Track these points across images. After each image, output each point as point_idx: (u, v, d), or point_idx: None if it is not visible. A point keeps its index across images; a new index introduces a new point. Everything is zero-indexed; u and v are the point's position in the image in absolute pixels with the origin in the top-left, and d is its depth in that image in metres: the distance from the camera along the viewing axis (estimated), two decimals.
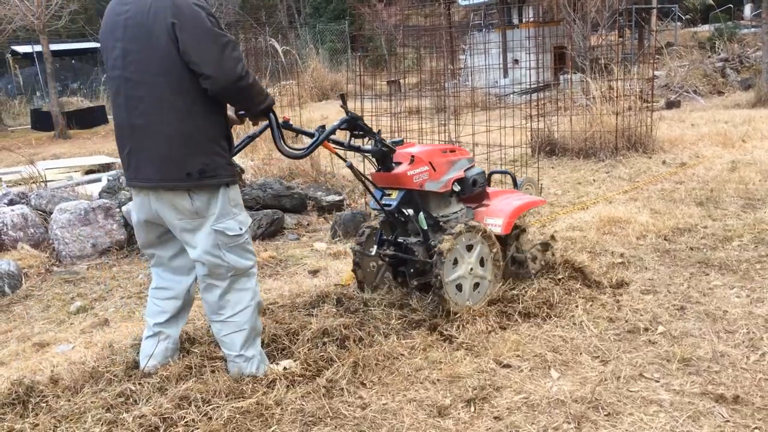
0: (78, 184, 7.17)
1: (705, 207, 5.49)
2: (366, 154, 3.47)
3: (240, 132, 6.27)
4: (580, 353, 3.14)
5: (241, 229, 2.85)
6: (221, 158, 2.79)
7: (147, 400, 2.77)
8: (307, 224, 6.04)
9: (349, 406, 2.76)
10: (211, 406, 2.69)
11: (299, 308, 3.71)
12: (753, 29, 18.02)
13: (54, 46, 18.87)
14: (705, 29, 19.41)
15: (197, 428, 2.59)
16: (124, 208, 5.53)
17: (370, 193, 3.55)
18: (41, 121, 16.41)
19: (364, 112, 6.76)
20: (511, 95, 12.51)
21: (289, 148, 3.00)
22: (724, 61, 14.98)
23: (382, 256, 3.73)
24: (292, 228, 5.91)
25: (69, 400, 2.82)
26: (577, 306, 3.61)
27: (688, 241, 4.67)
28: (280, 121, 3.02)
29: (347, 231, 5.46)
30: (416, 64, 16.20)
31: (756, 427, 2.50)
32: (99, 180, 7.42)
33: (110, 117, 17.73)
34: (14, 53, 23.92)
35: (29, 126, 17.14)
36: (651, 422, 2.55)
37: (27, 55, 23.41)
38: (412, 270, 3.61)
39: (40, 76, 21.05)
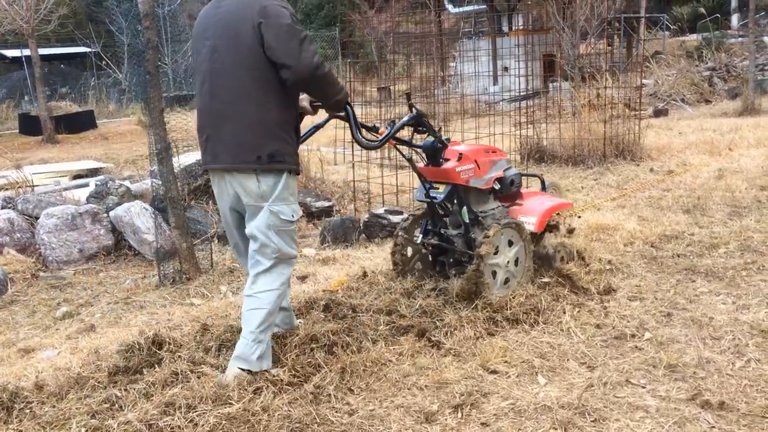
0: (65, 189, 7.12)
1: (692, 214, 5.53)
2: (419, 149, 3.74)
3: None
4: (567, 359, 3.15)
5: (293, 217, 3.07)
6: (290, 146, 3.03)
7: (132, 407, 2.75)
8: (297, 230, 6.02)
9: (336, 412, 2.75)
10: (197, 413, 2.68)
11: None
12: (740, 39, 18.20)
13: (43, 51, 18.78)
14: (693, 38, 19.59)
15: None
16: (111, 214, 5.50)
17: (422, 184, 3.79)
18: (29, 126, 16.28)
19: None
20: (501, 102, 12.56)
21: (365, 139, 3.32)
22: (711, 70, 15.11)
23: (426, 245, 4.00)
24: None
25: (54, 407, 2.80)
26: (564, 312, 3.62)
27: (674, 248, 4.69)
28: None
29: (336, 237, 5.45)
30: (406, 70, 16.25)
31: None
32: (86, 185, 7.37)
33: (99, 122, 17.67)
34: (2, 57, 23.78)
35: (17, 130, 17.01)
36: (637, 428, 2.56)
37: (15, 59, 23.28)
38: (451, 259, 3.88)
39: (29, 80, 20.91)
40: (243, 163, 2.95)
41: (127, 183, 6.60)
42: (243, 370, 2.94)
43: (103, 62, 23.02)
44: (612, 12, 12.40)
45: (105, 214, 5.55)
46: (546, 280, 3.90)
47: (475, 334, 3.37)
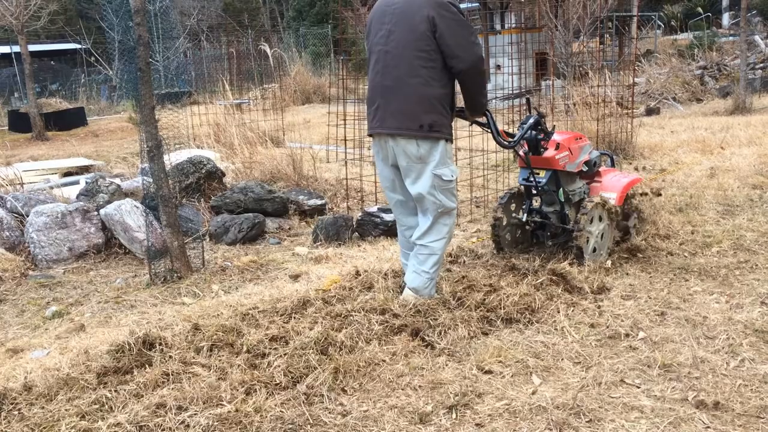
0: (55, 187, 7.05)
1: (684, 213, 5.53)
2: (522, 140, 4.19)
3: None
4: (562, 359, 3.14)
5: (452, 176, 3.63)
6: (446, 119, 3.59)
7: (122, 408, 2.72)
8: (289, 228, 6.00)
9: (329, 413, 2.73)
10: (188, 414, 2.65)
11: (280, 313, 3.67)
12: (731, 38, 18.26)
13: (33, 47, 18.62)
14: (684, 37, 19.63)
15: None
16: (102, 212, 5.45)
17: (529, 169, 4.27)
18: (19, 123, 16.13)
19: (347, 116, 6.74)
20: (494, 100, 12.53)
21: (504, 140, 3.92)
22: (702, 69, 15.15)
23: (530, 222, 4.51)
24: (273, 232, 5.86)
25: (42, 408, 2.76)
26: (558, 311, 3.61)
27: (668, 247, 4.69)
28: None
29: (329, 235, 5.42)
30: None
31: None
32: (77, 182, 7.30)
33: (90, 119, 17.55)
34: None
35: (6, 127, 16.86)
36: (632, 428, 2.55)
37: (5, 56, 23.07)
38: (549, 233, 4.44)
39: (18, 77, 20.74)
40: (407, 130, 3.51)
41: (117, 181, 6.54)
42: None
43: (94, 59, 22.86)
44: (604, 11, 12.40)
45: (95, 212, 5.49)
46: (541, 281, 3.89)
47: (469, 334, 3.35)
